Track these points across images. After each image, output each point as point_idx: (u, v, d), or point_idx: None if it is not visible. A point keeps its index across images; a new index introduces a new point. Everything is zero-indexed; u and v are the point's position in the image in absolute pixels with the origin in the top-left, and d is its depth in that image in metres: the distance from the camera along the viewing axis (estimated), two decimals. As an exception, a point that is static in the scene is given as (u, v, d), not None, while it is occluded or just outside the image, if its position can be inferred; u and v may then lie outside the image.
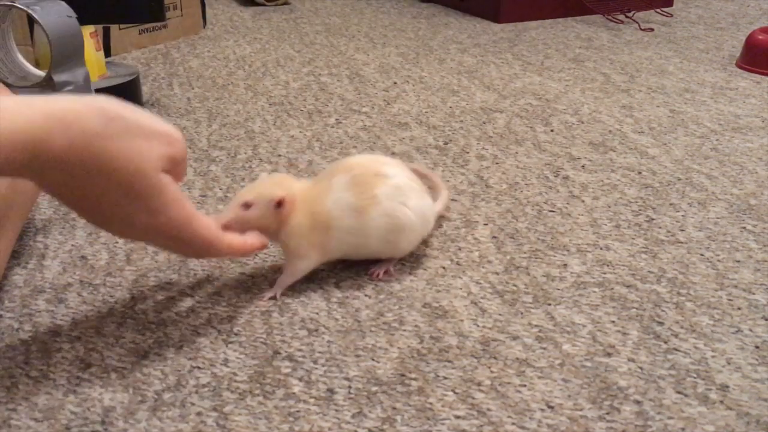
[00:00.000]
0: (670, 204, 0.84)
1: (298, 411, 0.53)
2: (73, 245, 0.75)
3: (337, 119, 1.09)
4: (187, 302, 0.66)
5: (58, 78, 0.91)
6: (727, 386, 0.55)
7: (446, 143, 1.01)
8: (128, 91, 1.09)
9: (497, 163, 0.94)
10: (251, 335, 0.61)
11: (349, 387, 0.55)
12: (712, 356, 0.59)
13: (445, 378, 0.56)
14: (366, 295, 0.67)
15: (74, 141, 0.48)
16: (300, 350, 0.59)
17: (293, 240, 0.65)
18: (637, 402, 0.54)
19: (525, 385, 0.55)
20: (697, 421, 0.52)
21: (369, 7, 1.89)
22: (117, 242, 0.75)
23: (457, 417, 0.52)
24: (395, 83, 1.27)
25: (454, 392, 0.55)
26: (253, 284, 0.68)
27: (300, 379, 0.56)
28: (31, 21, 1.13)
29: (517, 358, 0.58)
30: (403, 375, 0.57)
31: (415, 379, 0.56)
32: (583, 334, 0.61)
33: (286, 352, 0.59)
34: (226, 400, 0.54)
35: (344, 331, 0.62)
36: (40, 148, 0.47)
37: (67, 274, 0.70)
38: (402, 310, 0.65)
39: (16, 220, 0.68)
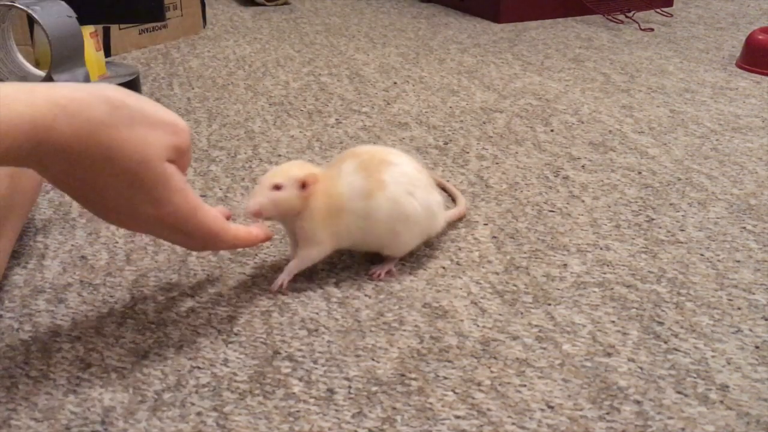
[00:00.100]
0: (670, 204, 0.84)
1: (298, 411, 0.53)
2: (73, 245, 0.75)
3: (337, 119, 1.09)
4: (187, 302, 0.66)
5: (58, 78, 0.91)
6: (727, 386, 0.55)
7: (446, 143, 1.01)
8: (128, 91, 1.09)
9: (497, 163, 0.94)
10: (251, 335, 0.61)
11: (349, 387, 0.55)
12: (712, 356, 0.59)
13: (445, 378, 0.56)
14: (366, 295, 0.67)
15: (79, 129, 0.47)
16: (300, 350, 0.59)
17: (311, 223, 0.65)
18: (637, 402, 0.54)
19: (525, 385, 0.55)
20: (697, 421, 0.52)
21: (369, 7, 1.89)
22: (117, 242, 0.75)
23: (457, 417, 0.52)
24: (395, 83, 1.27)
25: (454, 392, 0.55)
26: (253, 284, 0.68)
27: (300, 379, 0.56)
28: (31, 21, 1.13)
29: (517, 358, 0.58)
30: (403, 375, 0.57)
31: (415, 379, 0.56)
32: (583, 334, 0.61)
33: (286, 352, 0.59)
34: (226, 400, 0.54)
35: (344, 331, 0.62)
36: (45, 135, 0.46)
37: (67, 274, 0.70)
38: (402, 310, 0.65)
39: (16, 220, 0.68)
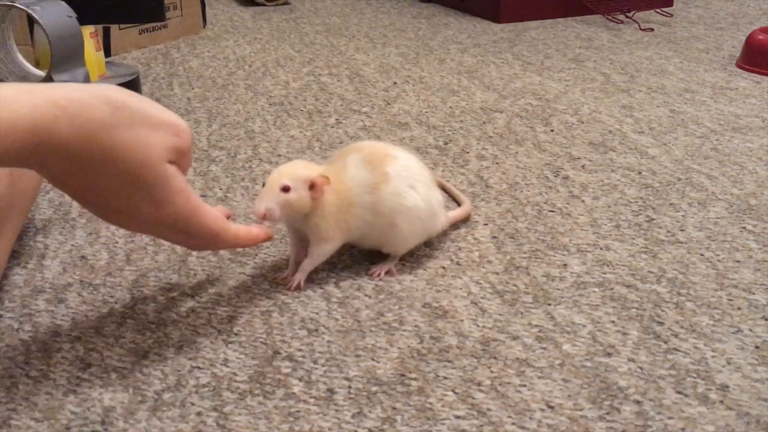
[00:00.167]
0: (670, 204, 0.84)
1: (298, 411, 0.53)
2: (73, 245, 0.75)
3: (337, 119, 1.09)
4: (187, 302, 0.66)
5: (58, 78, 0.91)
6: (727, 386, 0.55)
7: (446, 143, 1.01)
8: (128, 91, 1.09)
9: (497, 163, 0.94)
10: (251, 335, 0.61)
11: (349, 387, 0.55)
12: (712, 356, 0.59)
13: (445, 378, 0.56)
14: (366, 295, 0.67)
15: (80, 130, 0.47)
16: (300, 350, 0.59)
17: (323, 221, 0.65)
18: (637, 402, 0.54)
19: (525, 385, 0.55)
20: (697, 421, 0.52)
21: (369, 7, 1.89)
22: (117, 242, 0.75)
23: (457, 417, 0.52)
24: (395, 83, 1.27)
25: (454, 392, 0.55)
26: (253, 284, 0.68)
27: (300, 379, 0.56)
28: (31, 21, 1.13)
29: (517, 358, 0.58)
30: (403, 375, 0.57)
31: (415, 379, 0.56)
32: (583, 334, 0.61)
33: (286, 352, 0.59)
34: (226, 400, 0.54)
35: (344, 331, 0.62)
36: (45, 136, 0.46)
37: (67, 274, 0.70)
38: (402, 310, 0.65)
39: (16, 220, 0.68)
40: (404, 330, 0.62)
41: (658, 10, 1.77)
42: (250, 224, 0.64)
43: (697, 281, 0.69)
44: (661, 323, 0.63)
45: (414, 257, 0.72)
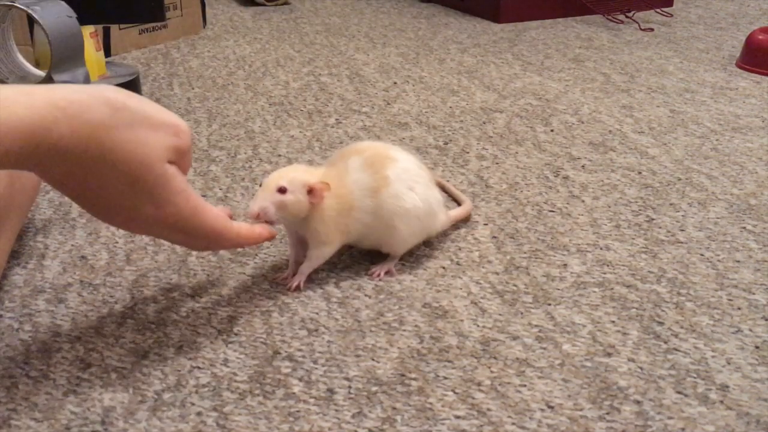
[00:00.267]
0: (670, 204, 0.84)
1: (298, 411, 0.53)
2: (73, 245, 0.75)
3: (337, 119, 1.09)
4: (187, 302, 0.66)
5: (58, 78, 0.91)
6: (727, 386, 0.55)
7: (446, 143, 1.01)
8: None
9: (497, 163, 0.94)
10: (251, 335, 0.61)
11: (349, 387, 0.55)
12: (712, 356, 0.59)
13: (445, 378, 0.56)
14: (366, 295, 0.67)
15: (79, 131, 0.47)
16: (300, 350, 0.59)
17: (322, 225, 0.65)
18: (637, 402, 0.54)
19: (525, 385, 0.55)
20: (697, 421, 0.52)
21: (369, 7, 1.89)
22: (117, 242, 0.75)
23: (457, 417, 0.52)
24: (395, 83, 1.27)
25: (454, 392, 0.55)
26: (253, 284, 0.68)
27: (300, 379, 0.56)
28: (31, 21, 1.13)
29: (517, 358, 0.58)
30: (403, 375, 0.57)
31: (415, 379, 0.56)
32: (583, 334, 0.61)
33: (286, 352, 0.59)
34: (226, 400, 0.54)
35: (344, 331, 0.62)
36: (44, 137, 0.46)
37: (67, 274, 0.70)
38: (402, 310, 0.65)
39: (15, 219, 0.68)
40: (404, 330, 0.62)
41: (658, 10, 1.77)
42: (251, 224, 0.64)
43: (697, 281, 0.69)
44: (661, 323, 0.63)
45: (414, 257, 0.72)
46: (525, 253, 0.74)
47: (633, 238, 0.76)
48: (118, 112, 0.49)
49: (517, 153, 0.98)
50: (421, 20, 1.74)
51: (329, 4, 1.94)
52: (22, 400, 0.54)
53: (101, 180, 0.50)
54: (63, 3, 0.93)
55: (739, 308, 0.65)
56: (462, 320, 0.63)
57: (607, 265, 0.71)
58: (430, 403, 0.54)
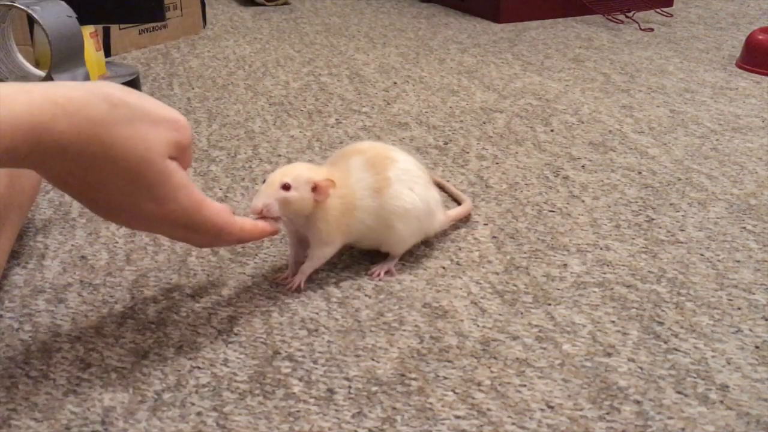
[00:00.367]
0: (670, 204, 0.84)
1: (298, 411, 0.53)
2: (73, 245, 0.75)
3: (337, 119, 1.09)
4: (187, 302, 0.66)
5: (58, 78, 0.91)
6: (727, 386, 0.55)
7: (446, 143, 1.01)
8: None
9: (497, 163, 0.94)
10: (251, 335, 0.61)
11: (349, 387, 0.55)
12: (712, 356, 0.59)
13: (445, 378, 0.56)
14: (366, 295, 0.67)
15: (79, 128, 0.47)
16: (300, 350, 0.59)
17: (325, 224, 0.65)
18: (637, 402, 0.54)
19: (525, 385, 0.55)
20: (697, 421, 0.52)
21: (369, 7, 1.89)
22: (117, 242, 0.75)
23: (457, 417, 0.52)
24: (395, 83, 1.27)
25: (454, 392, 0.55)
26: (253, 284, 0.68)
27: (300, 379, 0.56)
28: (31, 21, 1.13)
29: (517, 358, 0.58)
30: (403, 375, 0.57)
31: (415, 379, 0.56)
32: (583, 334, 0.61)
33: (286, 352, 0.59)
34: (226, 400, 0.54)
35: (344, 331, 0.62)
36: (44, 134, 0.46)
37: (67, 274, 0.70)
38: (402, 310, 0.65)
39: (15, 219, 0.68)
40: (404, 330, 0.62)
41: (658, 10, 1.77)
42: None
43: (697, 281, 0.69)
44: (661, 323, 0.63)
45: (414, 257, 0.72)
46: (525, 253, 0.74)
47: (633, 238, 0.76)
48: (117, 109, 0.49)
49: (517, 153, 0.98)
50: (421, 20, 1.74)
51: (329, 4, 1.94)
52: (22, 400, 0.54)
53: (102, 177, 0.50)
54: (63, 3, 0.93)
55: (739, 308, 0.65)
56: (462, 320, 0.63)
57: (607, 265, 0.71)
58: (430, 403, 0.54)
